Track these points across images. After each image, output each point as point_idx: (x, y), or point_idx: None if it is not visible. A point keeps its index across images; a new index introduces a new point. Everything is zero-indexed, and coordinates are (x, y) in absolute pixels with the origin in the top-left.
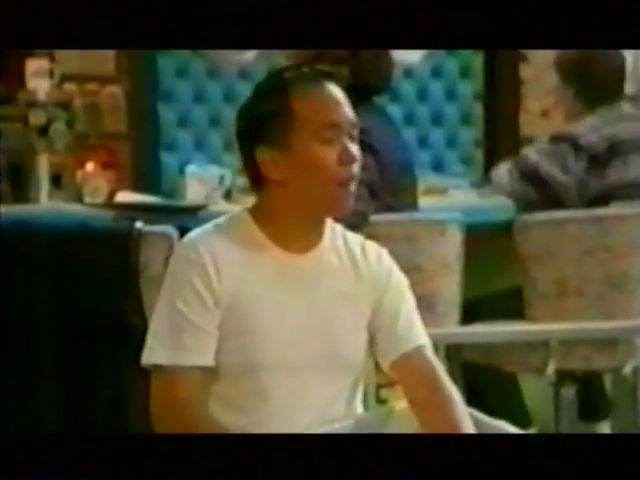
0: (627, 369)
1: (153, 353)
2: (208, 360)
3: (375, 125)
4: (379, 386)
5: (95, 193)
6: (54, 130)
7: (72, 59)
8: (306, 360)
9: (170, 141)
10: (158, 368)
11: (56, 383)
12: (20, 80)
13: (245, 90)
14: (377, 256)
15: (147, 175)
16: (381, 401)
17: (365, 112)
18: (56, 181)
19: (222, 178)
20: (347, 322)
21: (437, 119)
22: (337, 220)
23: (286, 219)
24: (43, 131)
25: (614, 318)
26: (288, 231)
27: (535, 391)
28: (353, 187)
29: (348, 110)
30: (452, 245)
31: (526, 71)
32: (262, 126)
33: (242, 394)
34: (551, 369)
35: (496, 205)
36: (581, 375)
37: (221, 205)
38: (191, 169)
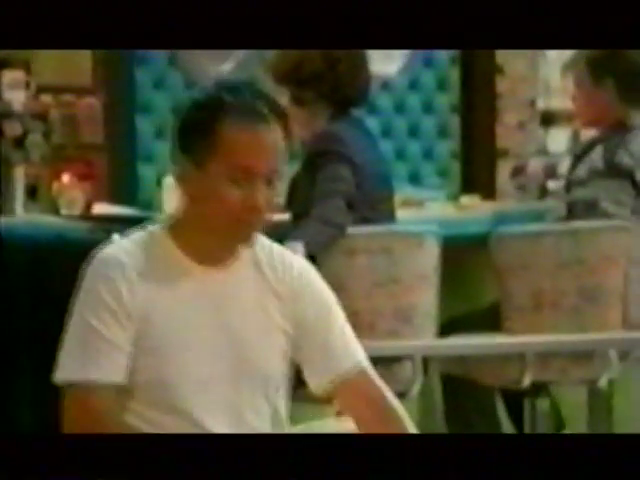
0: (602, 381)
1: (65, 370)
2: (119, 377)
3: (352, 137)
4: None
5: (71, 205)
6: (30, 141)
7: (48, 70)
8: (219, 375)
9: (147, 153)
10: (70, 385)
11: (35, 394)
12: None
13: None
14: (301, 272)
15: (124, 187)
16: None
17: (343, 124)
18: (32, 193)
19: None
20: (261, 336)
21: (414, 131)
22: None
23: (198, 234)
24: (19, 142)
25: (589, 331)
26: (201, 245)
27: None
28: (252, 233)
29: (270, 157)
30: (429, 257)
31: (502, 84)
32: (189, 137)
33: (157, 411)
34: (527, 381)
35: (473, 217)
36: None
37: None
38: (168, 181)
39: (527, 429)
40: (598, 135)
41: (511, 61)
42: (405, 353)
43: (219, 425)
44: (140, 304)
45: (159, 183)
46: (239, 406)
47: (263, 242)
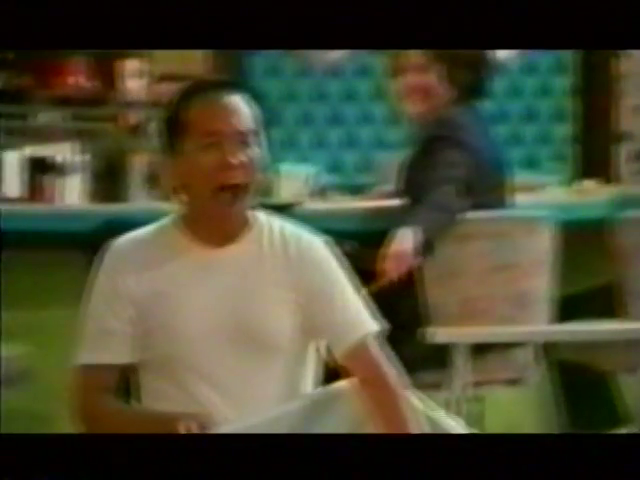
0: None
1: (76, 355)
2: (116, 359)
3: (468, 123)
4: (472, 384)
5: None
6: (149, 130)
7: (166, 59)
8: (226, 349)
9: None
10: (76, 368)
11: None
12: (116, 81)
13: (335, 88)
14: (303, 244)
15: None
16: (474, 399)
17: (459, 110)
18: (150, 180)
19: (314, 176)
20: (269, 309)
21: (530, 115)
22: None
23: (198, 220)
24: (138, 130)
25: None
26: (203, 229)
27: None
28: (240, 195)
29: (236, 117)
30: (545, 242)
31: (621, 66)
32: (161, 136)
33: (166, 385)
34: None
35: (590, 202)
36: None
37: (314, 203)
38: (283, 167)
39: None
40: None
41: None
42: (521, 339)
43: (225, 398)
44: (141, 290)
45: (274, 169)
46: (248, 379)
47: (267, 220)
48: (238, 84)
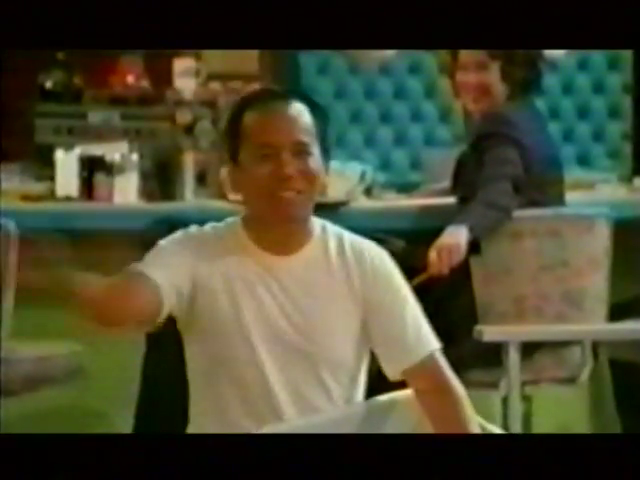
0: None
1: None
2: (166, 283)
3: (522, 119)
4: (524, 383)
5: None
6: (200, 128)
7: (217, 58)
8: (285, 357)
9: None
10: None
11: None
12: (167, 79)
13: (385, 86)
14: (374, 260)
15: None
16: (526, 398)
17: (513, 106)
18: (201, 178)
19: (363, 174)
20: (331, 320)
21: (583, 112)
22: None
23: (260, 226)
24: (189, 129)
25: None
26: (266, 236)
27: None
28: (297, 205)
29: (292, 128)
30: (600, 240)
31: None
32: (225, 144)
33: (217, 384)
34: None
35: None
36: None
37: (362, 201)
38: (332, 165)
39: None
40: None
41: None
42: (574, 338)
43: (281, 403)
44: (200, 277)
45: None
46: (303, 388)
47: (333, 231)
48: (297, 94)
